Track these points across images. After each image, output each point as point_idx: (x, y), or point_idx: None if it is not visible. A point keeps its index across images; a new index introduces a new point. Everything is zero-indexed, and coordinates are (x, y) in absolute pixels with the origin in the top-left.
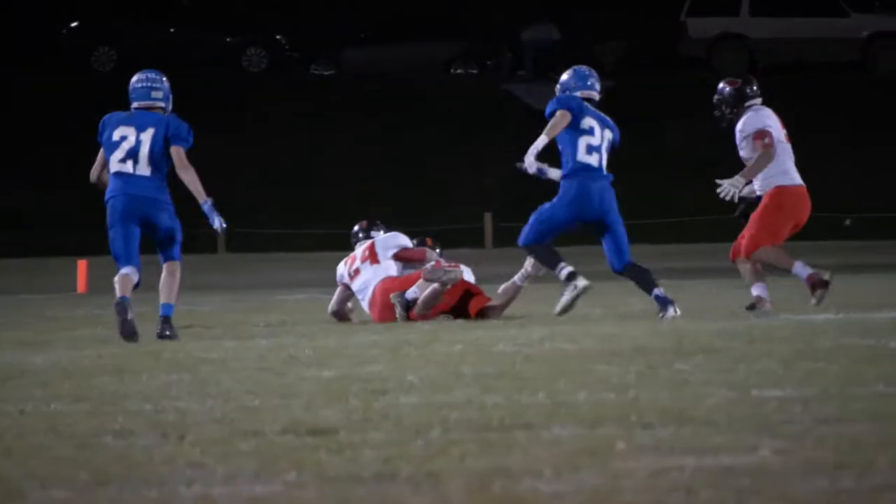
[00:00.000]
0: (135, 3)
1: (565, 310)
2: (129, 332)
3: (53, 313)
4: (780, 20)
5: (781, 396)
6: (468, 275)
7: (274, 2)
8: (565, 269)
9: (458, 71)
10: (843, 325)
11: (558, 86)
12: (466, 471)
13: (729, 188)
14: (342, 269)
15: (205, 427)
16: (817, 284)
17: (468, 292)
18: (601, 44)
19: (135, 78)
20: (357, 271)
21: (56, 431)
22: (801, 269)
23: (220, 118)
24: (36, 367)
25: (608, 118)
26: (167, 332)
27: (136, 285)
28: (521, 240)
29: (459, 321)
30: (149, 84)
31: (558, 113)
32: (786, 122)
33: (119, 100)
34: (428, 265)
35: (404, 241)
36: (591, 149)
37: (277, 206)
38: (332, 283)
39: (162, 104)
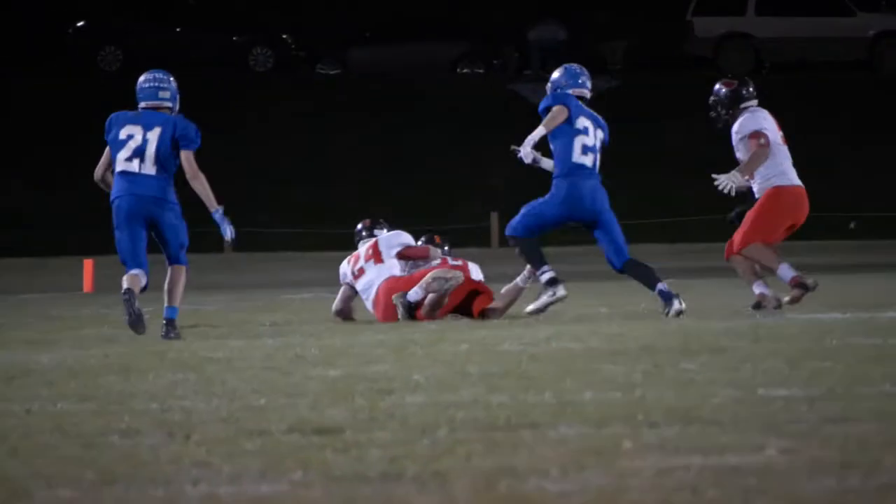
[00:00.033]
0: (141, 3)
1: (537, 312)
2: (136, 323)
3: (59, 312)
4: (786, 19)
5: (787, 396)
6: (476, 271)
7: (280, 1)
8: (548, 274)
9: (464, 70)
10: (850, 324)
11: (549, 84)
12: (472, 470)
13: (727, 181)
14: (345, 267)
15: (211, 426)
16: (798, 286)
17: (473, 291)
18: (607, 43)
19: (142, 78)
20: (361, 270)
21: (62, 431)
22: (786, 271)
23: (225, 117)
24: (42, 367)
25: (599, 117)
26: (171, 335)
27: (144, 288)
28: (508, 229)
29: (465, 320)
30: (156, 84)
31: (556, 107)
32: (791, 121)
33: (125, 99)
34: (429, 276)
35: (407, 239)
36: (585, 149)
37: (283, 206)
38: (338, 282)
39: (169, 104)
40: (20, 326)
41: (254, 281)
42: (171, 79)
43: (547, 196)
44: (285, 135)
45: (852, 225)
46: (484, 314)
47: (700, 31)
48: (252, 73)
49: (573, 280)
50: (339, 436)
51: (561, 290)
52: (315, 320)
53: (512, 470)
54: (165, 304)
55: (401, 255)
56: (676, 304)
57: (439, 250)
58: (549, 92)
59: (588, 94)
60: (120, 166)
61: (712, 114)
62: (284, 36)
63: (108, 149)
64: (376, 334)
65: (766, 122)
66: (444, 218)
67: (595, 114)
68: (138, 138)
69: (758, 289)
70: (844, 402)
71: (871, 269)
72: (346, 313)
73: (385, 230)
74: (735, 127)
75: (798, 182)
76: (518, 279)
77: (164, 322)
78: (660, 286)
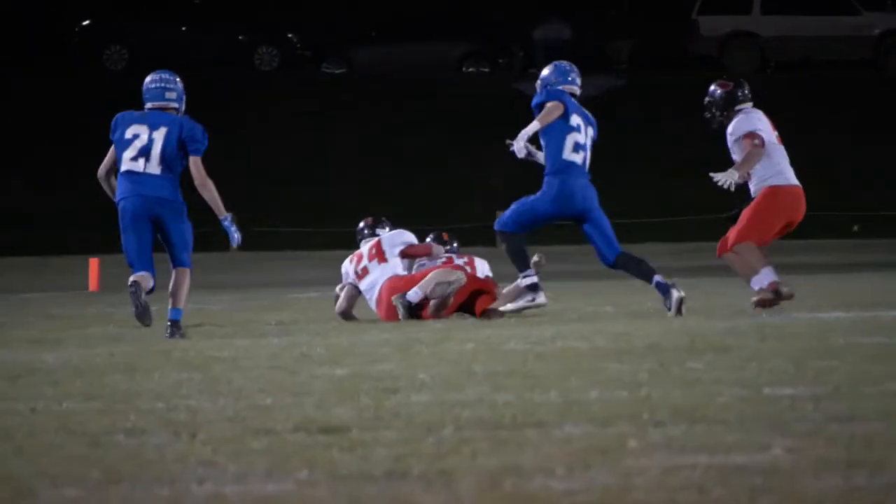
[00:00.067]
0: (146, 2)
1: (513, 312)
2: (143, 315)
3: (64, 311)
4: (791, 18)
5: (793, 395)
6: (484, 267)
7: (285, 0)
8: (530, 279)
9: (470, 69)
10: (855, 323)
11: (539, 81)
12: (478, 469)
13: (726, 178)
14: (348, 266)
15: (216, 425)
16: (774, 293)
17: (478, 291)
18: (612, 42)
19: (148, 78)
20: (365, 270)
21: (67, 430)
22: (768, 274)
23: (231, 116)
24: (47, 366)
25: (589, 114)
26: (176, 335)
27: (151, 290)
28: (497, 224)
29: (471, 320)
30: (163, 85)
31: (552, 103)
32: (796, 120)
33: (127, 98)
34: (432, 279)
35: (410, 238)
36: (577, 146)
37: (288, 205)
38: (340, 280)
39: (175, 105)
40: (24, 325)
41: (259, 280)
42: (178, 79)
43: (538, 193)
44: (290, 134)
45: (856, 228)
46: (486, 314)
47: (705, 29)
48: (257, 73)
49: (578, 279)
50: (344, 435)
51: (541, 298)
52: (321, 319)
53: (517, 469)
54: (169, 307)
55: (404, 254)
56: (675, 293)
57: (442, 248)
58: (538, 89)
59: (578, 91)
60: (125, 166)
61: (707, 115)
62: (290, 35)
63: (112, 148)
64: (382, 333)
65: (761, 122)
66: (449, 217)
67: (586, 111)
68: (144, 138)
69: (756, 285)
70: (850, 401)
71: (876, 268)
72: (349, 314)
73: (387, 229)
74: (729, 129)
75: (795, 181)
76: (519, 280)
77: (169, 323)
78: (656, 278)
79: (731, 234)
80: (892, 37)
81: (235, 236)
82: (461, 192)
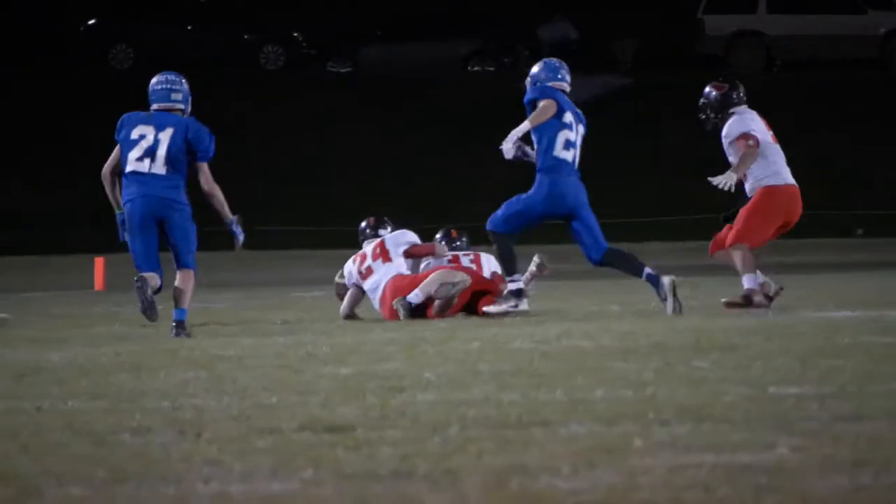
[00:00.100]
0: (152, 2)
1: (493, 314)
2: (149, 309)
3: (69, 311)
4: (797, 17)
5: (799, 394)
6: (491, 263)
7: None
8: (516, 284)
9: (475, 69)
10: (861, 322)
11: (528, 78)
12: (484, 468)
13: (724, 179)
14: (351, 267)
15: (222, 424)
16: (745, 298)
17: (481, 292)
18: (618, 41)
19: (154, 79)
20: (369, 270)
21: (73, 429)
22: (751, 280)
23: (236, 115)
24: (53, 365)
25: (579, 111)
26: (181, 335)
27: (159, 289)
28: (489, 224)
29: (476, 319)
30: (168, 86)
31: (545, 102)
32: (802, 119)
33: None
34: (436, 281)
35: (413, 237)
36: (568, 144)
37: (294, 204)
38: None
39: (181, 106)
40: (27, 325)
41: (264, 279)
42: (184, 80)
43: (530, 192)
44: (296, 133)
45: (860, 231)
46: (487, 314)
47: (711, 29)
48: (263, 72)
49: (583, 279)
50: (350, 434)
51: (523, 304)
52: (326, 318)
53: (523, 468)
54: (174, 307)
55: (407, 254)
56: (666, 280)
57: (446, 248)
58: (528, 86)
59: (567, 89)
60: (130, 166)
61: (701, 116)
62: (295, 34)
63: (117, 148)
64: (387, 332)
65: (754, 122)
66: (456, 216)
67: (577, 109)
68: (150, 138)
69: (749, 283)
70: (856, 401)
71: (880, 267)
72: (352, 316)
73: (389, 229)
74: (724, 131)
75: (791, 181)
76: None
77: (174, 324)
78: (647, 271)
79: (730, 234)
80: None
81: (240, 238)
82: (466, 191)
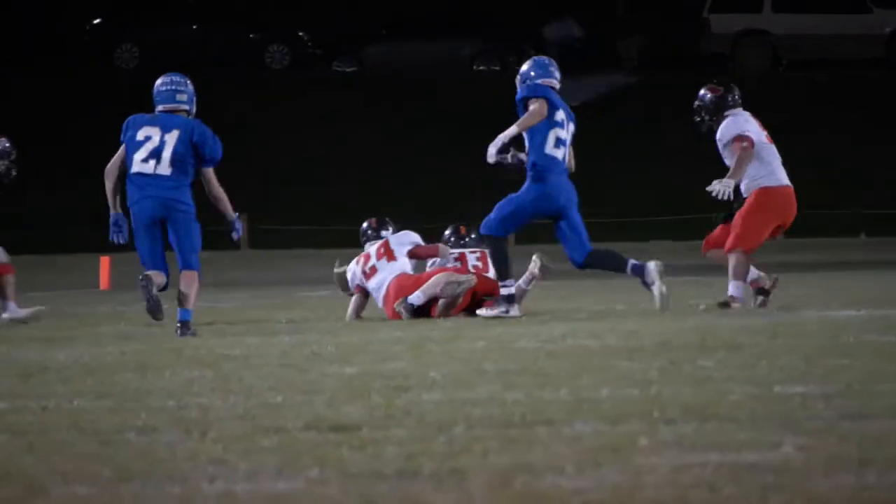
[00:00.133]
0: (157, 1)
1: (485, 317)
2: (154, 309)
3: (75, 310)
4: (802, 16)
5: (804, 393)
6: None
7: None
8: (509, 289)
9: (481, 68)
10: (866, 321)
11: (518, 76)
12: (489, 467)
13: (722, 188)
14: (354, 268)
15: (227, 423)
16: (725, 304)
17: (484, 294)
18: (623, 40)
19: (159, 81)
20: (373, 269)
21: (79, 428)
22: (737, 289)
23: (242, 114)
24: (58, 364)
25: (569, 109)
26: (186, 334)
27: (164, 287)
28: (483, 228)
29: (481, 318)
30: (174, 87)
31: (537, 104)
32: (808, 118)
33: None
34: (441, 280)
35: (416, 238)
36: (559, 142)
37: (299, 203)
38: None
39: (186, 107)
40: (33, 324)
41: (270, 278)
42: (189, 81)
43: (521, 191)
44: (301, 132)
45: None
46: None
47: (717, 28)
48: (268, 71)
49: (588, 277)
50: (355, 433)
51: (514, 311)
52: (331, 318)
53: (528, 467)
54: (178, 308)
55: (411, 254)
56: (652, 266)
57: (448, 249)
58: (518, 84)
59: (557, 86)
60: (135, 168)
61: (696, 118)
62: (301, 33)
63: (122, 148)
64: (393, 331)
65: (748, 123)
66: (462, 215)
67: (567, 106)
68: (156, 140)
69: (733, 289)
70: (861, 399)
71: (883, 266)
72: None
73: (391, 230)
74: (718, 134)
75: (786, 182)
76: (521, 280)
77: (179, 324)
78: (630, 263)
79: (728, 238)
80: None
81: (238, 233)
82: (474, 190)
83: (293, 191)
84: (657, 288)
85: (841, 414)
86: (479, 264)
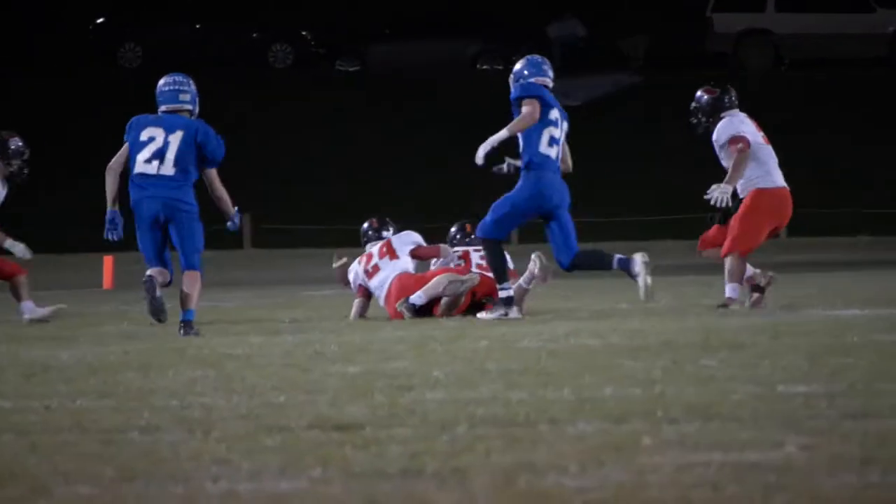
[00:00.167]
0: (161, 0)
1: (484, 321)
2: (157, 310)
3: (78, 309)
4: (805, 15)
5: (807, 392)
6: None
7: None
8: (507, 292)
9: (484, 67)
10: (869, 320)
11: (511, 75)
12: (492, 466)
13: (720, 194)
14: (356, 268)
15: (230, 423)
16: (724, 305)
17: (486, 297)
18: (627, 39)
19: (162, 81)
20: (376, 268)
21: (82, 427)
22: (734, 291)
23: (245, 114)
24: (61, 363)
25: (562, 108)
26: (189, 333)
27: (169, 283)
28: (479, 231)
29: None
30: (176, 87)
31: (529, 106)
32: (811, 118)
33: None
34: (444, 279)
35: (418, 238)
36: (552, 140)
37: (303, 202)
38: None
39: (189, 107)
40: (36, 323)
41: (273, 277)
42: (191, 81)
43: (514, 190)
44: (305, 130)
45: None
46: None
47: (720, 27)
48: (271, 70)
49: (591, 277)
50: (358, 432)
51: (514, 313)
52: (335, 317)
53: (531, 466)
54: (181, 308)
55: (413, 255)
56: (638, 258)
57: (450, 249)
58: (511, 84)
59: (551, 84)
60: (138, 168)
61: (693, 120)
62: (304, 32)
63: (125, 146)
64: (396, 331)
65: (743, 124)
66: (467, 214)
67: (560, 105)
68: (160, 140)
69: (729, 291)
70: (864, 399)
71: (885, 266)
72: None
73: (391, 230)
74: (714, 135)
75: (782, 183)
76: (521, 280)
77: (182, 323)
78: (616, 258)
79: (725, 241)
80: None
81: (236, 225)
82: (477, 189)
83: (296, 190)
84: (642, 279)
85: (844, 413)
86: (483, 262)
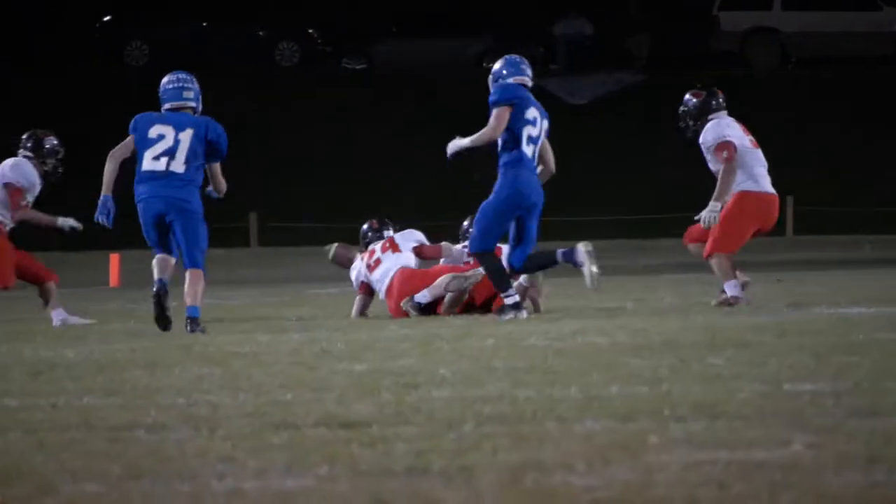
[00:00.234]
0: None
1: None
2: (163, 319)
3: (84, 307)
4: (812, 14)
5: (814, 390)
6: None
7: None
8: (513, 298)
9: (490, 66)
10: (876, 319)
11: (490, 76)
12: (499, 464)
13: (708, 215)
14: (358, 264)
15: (236, 421)
16: (724, 302)
17: (489, 298)
18: (633, 37)
19: (165, 79)
20: (378, 261)
21: (88, 425)
22: (732, 287)
23: (252, 112)
24: (68, 361)
25: (541, 107)
26: (196, 330)
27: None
28: (471, 248)
29: (490, 316)
30: (180, 84)
31: (494, 121)
32: (817, 116)
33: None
34: (447, 277)
35: (421, 236)
36: (530, 139)
37: (309, 200)
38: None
39: (193, 104)
40: (42, 321)
41: (280, 275)
42: (194, 79)
43: (492, 195)
44: (311, 129)
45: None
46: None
47: (726, 25)
48: (278, 68)
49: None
50: (365, 430)
51: (522, 314)
52: (341, 315)
53: (538, 464)
54: (187, 305)
55: (416, 253)
56: (580, 247)
57: (452, 248)
58: (491, 84)
59: (530, 82)
60: (146, 165)
61: (681, 123)
62: (310, 31)
63: (131, 138)
64: (402, 329)
65: (730, 128)
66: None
67: (539, 104)
68: (170, 139)
69: (728, 288)
70: (871, 397)
71: (891, 264)
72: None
73: (391, 230)
74: (700, 138)
75: (768, 188)
76: (521, 278)
77: (188, 320)
78: (559, 253)
79: (707, 243)
80: None
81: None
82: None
83: (302, 188)
84: (587, 268)
85: (850, 411)
86: None
